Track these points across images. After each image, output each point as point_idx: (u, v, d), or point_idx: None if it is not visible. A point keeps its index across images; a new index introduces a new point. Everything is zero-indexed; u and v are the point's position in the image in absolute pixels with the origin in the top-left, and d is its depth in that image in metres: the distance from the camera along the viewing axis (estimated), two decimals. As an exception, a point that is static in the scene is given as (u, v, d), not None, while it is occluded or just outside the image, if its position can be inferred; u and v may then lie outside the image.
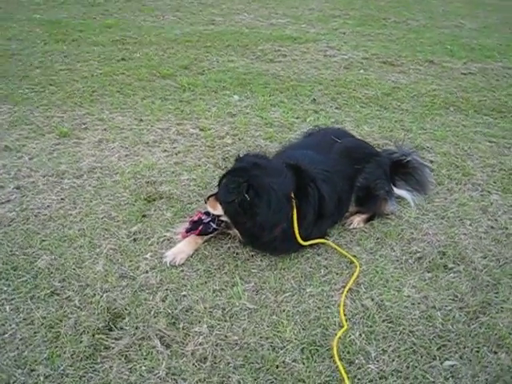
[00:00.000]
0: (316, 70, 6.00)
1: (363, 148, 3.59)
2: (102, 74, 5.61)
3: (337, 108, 5.15)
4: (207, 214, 3.15)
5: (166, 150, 4.19)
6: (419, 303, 2.87)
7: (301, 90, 5.44)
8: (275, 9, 8.28)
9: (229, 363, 2.41)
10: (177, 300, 2.77)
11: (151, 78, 5.53)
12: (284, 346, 2.54)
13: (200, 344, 2.51)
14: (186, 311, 2.71)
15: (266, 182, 2.85)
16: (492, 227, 3.55)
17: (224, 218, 3.09)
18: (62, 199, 3.56)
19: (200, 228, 3.12)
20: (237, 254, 3.16)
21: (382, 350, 2.57)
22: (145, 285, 2.85)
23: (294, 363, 2.45)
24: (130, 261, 3.03)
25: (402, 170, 3.71)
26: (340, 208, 3.33)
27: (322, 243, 3.24)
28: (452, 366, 2.52)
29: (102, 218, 3.38)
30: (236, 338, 2.57)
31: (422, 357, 2.55)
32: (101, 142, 4.26)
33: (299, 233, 3.02)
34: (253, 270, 3.02)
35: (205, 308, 2.73)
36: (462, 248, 3.31)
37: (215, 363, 2.41)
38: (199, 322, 2.64)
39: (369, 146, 3.69)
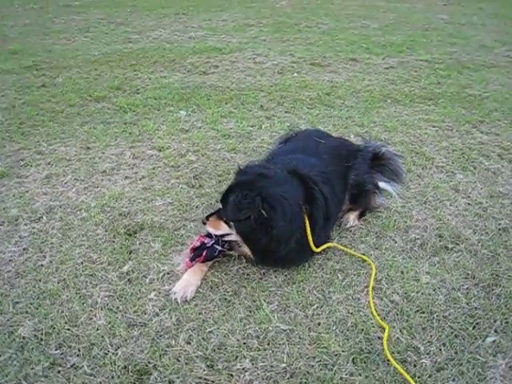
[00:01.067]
0: (252, 77, 5.94)
1: (347, 145, 3.56)
2: (25, 103, 4.96)
3: (286, 112, 5.11)
4: (209, 236, 2.86)
5: (127, 177, 3.78)
6: (439, 287, 2.88)
7: (245, 98, 5.32)
8: (188, 23, 8.10)
9: (291, 394, 2.18)
10: (204, 339, 2.45)
11: (83, 102, 5.01)
12: (335, 362, 2.37)
13: (249, 382, 2.24)
14: (219, 349, 2.41)
15: (276, 192, 2.66)
16: (469, 204, 3.72)
17: (230, 238, 2.83)
18: (24, 249, 3.01)
19: (204, 254, 2.82)
20: (248, 274, 2.91)
21: (428, 341, 2.52)
22: (161, 329, 2.49)
23: (352, 377, 2.30)
24: (134, 305, 2.63)
25: (377, 162, 3.73)
26: (339, 208, 3.24)
27: (332, 247, 3.13)
28: (493, 341, 2.54)
29: (83, 263, 2.91)
30: (284, 365, 2.34)
31: (464, 339, 2.54)
32: (49, 178, 3.72)
33: (312, 240, 2.86)
34: (271, 289, 2.80)
35: (238, 340, 2.45)
36: (453, 228, 3.41)
37: (276, 398, 2.17)
38: (238, 357, 2.37)
39: (351, 143, 3.68)
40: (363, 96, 5.64)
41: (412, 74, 6.44)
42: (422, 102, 5.59)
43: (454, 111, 5.34)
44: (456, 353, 2.47)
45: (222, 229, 2.80)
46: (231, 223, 2.73)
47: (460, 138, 4.74)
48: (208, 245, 2.84)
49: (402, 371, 2.31)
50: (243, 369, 2.31)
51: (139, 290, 2.73)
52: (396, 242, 3.26)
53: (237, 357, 2.36)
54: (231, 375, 2.27)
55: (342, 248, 3.14)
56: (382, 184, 3.73)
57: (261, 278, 2.88)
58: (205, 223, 2.87)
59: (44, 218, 3.28)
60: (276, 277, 2.90)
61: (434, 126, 4.97)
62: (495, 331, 2.61)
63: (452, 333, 2.58)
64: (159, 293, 2.73)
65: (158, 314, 2.58)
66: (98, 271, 2.85)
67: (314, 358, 2.38)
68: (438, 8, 10.10)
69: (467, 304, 2.77)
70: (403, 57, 7.12)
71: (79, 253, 2.98)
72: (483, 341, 2.55)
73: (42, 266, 2.88)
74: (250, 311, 2.64)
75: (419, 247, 3.22)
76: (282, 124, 4.82)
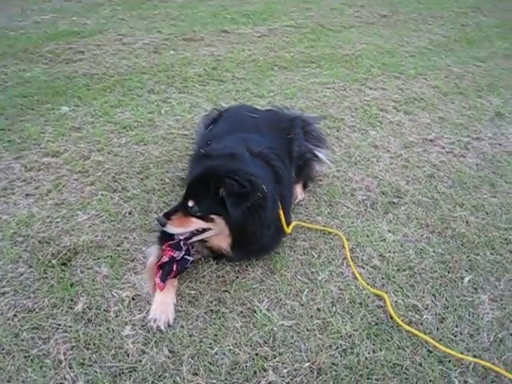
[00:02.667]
0: (126, 60, 5.27)
1: (281, 116, 3.37)
2: None
3: (180, 92, 4.66)
4: (175, 247, 2.41)
5: (29, 194, 3.00)
6: (405, 242, 2.95)
7: (130, 83, 4.69)
8: (26, 5, 6.77)
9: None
10: (211, 363, 2.09)
11: None
12: (353, 344, 2.25)
13: (284, 394, 1.98)
14: (233, 369, 2.08)
15: (257, 172, 2.36)
16: (392, 157, 3.89)
17: (203, 236, 2.43)
18: None
19: (175, 268, 2.38)
20: (222, 276, 2.57)
21: (421, 297, 2.57)
22: (157, 369, 2.04)
23: (375, 354, 2.21)
24: (109, 350, 2.10)
25: (303, 130, 3.63)
26: (292, 183, 3.06)
27: (297, 225, 2.94)
28: (469, 280, 2.70)
29: (16, 316, 2.22)
30: (307, 364, 2.13)
31: (447, 285, 2.66)
32: None
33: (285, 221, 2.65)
34: (255, 286, 2.52)
35: (248, 353, 2.15)
36: (390, 183, 3.53)
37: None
38: (256, 372, 2.07)
39: (283, 113, 3.48)
40: (250, 66, 5.47)
41: (285, 40, 6.48)
42: (307, 65, 5.65)
43: (339, 72, 5.52)
44: (447, 300, 2.55)
45: (193, 225, 2.37)
46: (212, 218, 2.33)
47: (356, 97, 4.93)
48: (178, 258, 2.40)
49: (417, 332, 2.31)
50: (269, 382, 2.02)
51: (108, 329, 2.19)
52: (348, 208, 3.23)
53: (255, 372, 2.07)
54: (261, 394, 1.97)
55: (307, 225, 2.98)
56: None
57: (237, 277, 2.57)
58: (164, 224, 2.37)
59: None
60: (253, 271, 2.61)
61: (328, 88, 5.07)
62: (466, 270, 2.77)
63: (435, 283, 2.66)
64: (134, 325, 2.23)
65: (144, 352, 2.11)
66: (42, 321, 2.20)
67: (331, 346, 2.22)
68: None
69: (434, 252, 2.89)
70: (269, 24, 7.11)
71: (6, 304, 2.26)
72: (462, 282, 2.68)
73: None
74: (246, 316, 2.33)
75: (371, 207, 3.25)
76: (181, 105, 4.38)
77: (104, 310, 2.29)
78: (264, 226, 2.37)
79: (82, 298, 2.33)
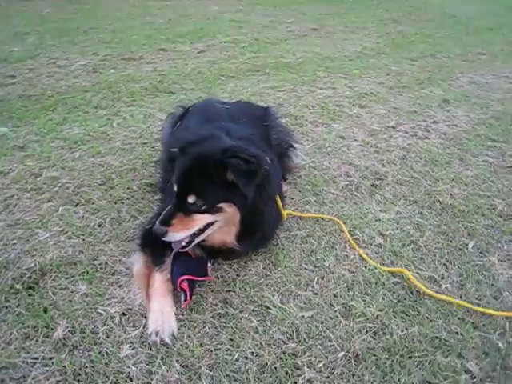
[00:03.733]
0: (65, 80, 4.78)
1: (255, 106, 3.19)
2: None
3: (130, 105, 4.32)
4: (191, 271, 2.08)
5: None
6: (400, 219, 2.85)
7: (73, 101, 4.28)
8: None
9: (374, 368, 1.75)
10: (235, 371, 1.77)
11: None
12: (383, 325, 2.05)
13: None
14: (262, 374, 1.77)
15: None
16: (361, 145, 3.83)
17: (206, 235, 2.11)
18: None
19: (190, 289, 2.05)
20: (222, 276, 2.27)
21: (433, 268, 2.44)
22: (170, 387, 1.68)
23: (409, 331, 2.02)
24: (107, 377, 1.71)
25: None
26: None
27: (291, 215, 2.73)
28: (474, 245, 2.64)
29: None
30: (342, 353, 1.88)
31: (455, 253, 2.56)
32: None
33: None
34: (260, 282, 2.25)
35: (275, 354, 1.86)
36: (368, 167, 3.45)
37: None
38: (288, 373, 1.78)
39: (256, 104, 3.29)
40: (196, 78, 5.28)
41: (226, 54, 6.38)
42: (253, 73, 5.57)
43: (286, 76, 5.49)
44: (459, 267, 2.44)
45: (198, 223, 2.03)
46: (220, 206, 2.02)
47: (310, 96, 4.88)
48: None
49: (450, 298, 2.16)
50: (308, 380, 1.74)
51: (100, 353, 1.80)
52: (334, 194, 3.07)
53: (287, 372, 1.77)
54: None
55: (300, 214, 2.78)
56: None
57: (238, 275, 2.28)
58: (165, 233, 1.99)
59: None
60: (254, 267, 2.34)
61: (279, 91, 4.99)
62: (466, 238, 2.69)
63: (442, 252, 2.54)
64: (131, 343, 1.86)
65: (151, 372, 1.74)
66: (12, 357, 1.77)
67: (361, 330, 1.99)
68: (204, 2, 10.46)
69: (430, 225, 2.80)
70: (206, 41, 7.00)
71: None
72: (467, 249, 2.59)
73: None
74: (260, 314, 2.04)
75: (356, 191, 3.12)
76: (134, 117, 4.06)
77: (91, 332, 1.89)
78: (269, 203, 2.13)
79: (60, 323, 1.92)
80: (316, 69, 5.91)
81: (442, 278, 2.34)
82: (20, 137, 3.54)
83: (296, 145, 3.45)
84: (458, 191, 3.18)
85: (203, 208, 2.00)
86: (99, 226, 2.58)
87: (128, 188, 2.96)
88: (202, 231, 2.07)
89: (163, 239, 1.99)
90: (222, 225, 2.09)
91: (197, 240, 2.10)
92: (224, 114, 2.80)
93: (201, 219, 2.02)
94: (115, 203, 2.79)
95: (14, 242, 2.39)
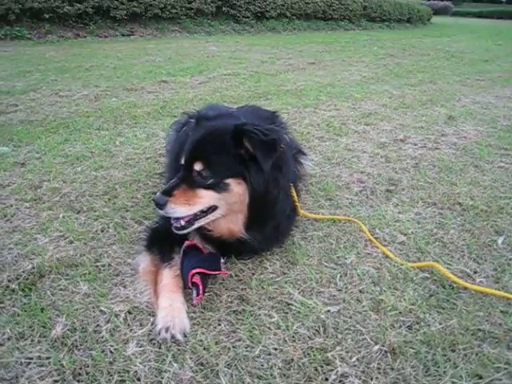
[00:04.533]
0: (66, 108, 4.76)
1: (262, 109, 3.09)
2: None
3: (133, 127, 4.23)
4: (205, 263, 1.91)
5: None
6: (421, 219, 2.70)
7: (75, 124, 4.20)
8: None
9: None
10: (258, 367, 1.56)
11: None
12: (417, 319, 1.84)
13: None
14: (289, 369, 1.55)
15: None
16: (370, 156, 3.73)
17: (208, 219, 1.94)
18: None
19: (202, 284, 1.86)
20: (237, 275, 2.08)
21: (464, 263, 2.25)
22: (184, 385, 1.47)
23: (447, 323, 1.80)
24: (111, 376, 1.50)
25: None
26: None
27: (306, 217, 2.57)
28: (503, 241, 2.47)
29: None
30: (376, 346, 1.68)
31: (483, 249, 2.38)
32: None
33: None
34: (278, 280, 2.07)
35: (301, 349, 1.65)
36: (380, 174, 3.34)
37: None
38: (318, 369, 1.57)
39: (260, 107, 3.22)
40: (199, 104, 5.24)
41: (227, 84, 6.43)
42: (255, 99, 5.55)
43: (288, 101, 5.48)
44: (491, 262, 2.26)
45: (202, 201, 1.86)
46: (228, 183, 1.86)
47: (314, 116, 4.84)
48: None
49: (491, 290, 1.96)
50: (342, 375, 1.52)
51: (103, 352, 1.59)
52: (348, 198, 2.93)
53: (316, 368, 1.56)
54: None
55: (316, 216, 2.63)
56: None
57: (253, 274, 2.09)
58: (164, 203, 1.83)
59: None
60: (270, 265, 2.16)
61: (283, 113, 4.92)
62: (493, 234, 2.52)
63: (471, 248, 2.37)
64: (139, 341, 1.65)
65: (161, 370, 1.53)
66: (3, 357, 1.55)
67: (393, 325, 1.78)
68: (203, 44, 10.73)
69: (454, 224, 2.64)
70: (207, 74, 7.08)
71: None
72: (496, 244, 2.41)
73: None
74: (280, 310, 1.85)
75: (371, 195, 2.98)
76: (137, 137, 3.98)
77: (93, 331, 1.69)
78: (283, 192, 1.97)
79: (59, 321, 1.72)
80: (318, 94, 5.93)
81: (475, 273, 2.15)
82: (21, 154, 3.43)
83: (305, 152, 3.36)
84: (478, 193, 3.03)
85: (209, 182, 1.84)
86: (102, 231, 2.42)
87: (132, 197, 2.82)
88: (204, 214, 1.91)
89: (161, 211, 1.84)
90: (226, 211, 1.93)
91: (197, 224, 1.93)
92: (230, 114, 2.71)
93: (204, 196, 1.86)
94: (118, 211, 2.64)
95: (11, 246, 2.22)
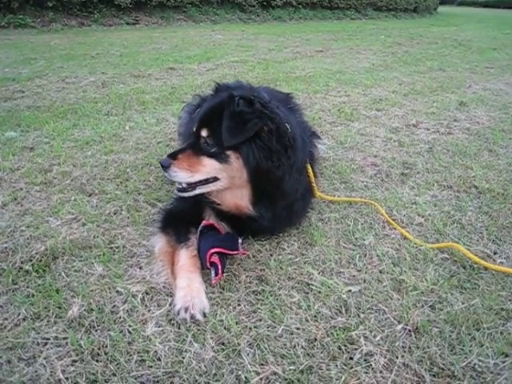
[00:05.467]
0: (74, 94, 4.73)
1: (274, 89, 3.07)
2: None
3: (141, 112, 4.19)
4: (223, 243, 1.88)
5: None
6: (437, 202, 2.65)
7: (83, 110, 4.17)
8: None
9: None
10: (281, 346, 1.53)
11: None
12: (440, 298, 1.81)
13: (384, 366, 1.45)
14: (313, 348, 1.52)
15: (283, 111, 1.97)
16: (383, 141, 3.67)
17: (208, 188, 1.94)
18: None
19: (221, 263, 1.83)
20: (254, 256, 2.04)
21: (483, 244, 2.21)
22: (208, 369, 1.45)
23: (470, 302, 1.76)
24: (130, 356, 1.47)
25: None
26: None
27: (322, 199, 2.53)
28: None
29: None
30: (400, 325, 1.65)
31: (502, 231, 2.33)
32: None
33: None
34: (296, 260, 2.04)
35: (324, 329, 1.62)
36: (395, 158, 3.29)
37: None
38: (341, 347, 1.53)
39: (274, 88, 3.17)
40: (208, 89, 5.17)
41: (235, 71, 6.36)
42: (267, 85, 5.47)
43: (298, 87, 5.42)
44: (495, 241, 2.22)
45: (203, 169, 1.87)
46: (228, 154, 1.84)
47: (325, 102, 4.78)
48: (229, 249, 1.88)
49: (510, 269, 1.93)
50: (366, 353, 1.49)
51: (122, 332, 1.57)
52: (363, 181, 2.88)
53: (339, 347, 1.52)
54: (364, 371, 1.43)
55: (332, 198, 2.59)
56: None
57: (271, 254, 2.06)
58: (168, 165, 1.86)
59: None
60: (288, 246, 2.12)
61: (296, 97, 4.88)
62: (510, 217, 2.47)
63: (490, 230, 2.33)
64: (157, 322, 1.62)
65: (182, 350, 1.50)
66: (20, 338, 1.53)
67: (416, 304, 1.75)
68: (208, 32, 10.63)
69: (471, 206, 2.60)
70: (214, 61, 7.02)
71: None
72: (517, 226, 2.37)
73: None
74: (300, 290, 1.82)
75: (386, 178, 2.94)
76: (146, 122, 3.94)
77: (110, 312, 1.66)
78: (293, 171, 1.93)
79: (75, 302, 1.69)
80: (327, 81, 5.86)
81: (495, 254, 2.12)
82: (29, 139, 3.40)
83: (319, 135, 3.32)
84: (494, 177, 2.98)
85: (212, 150, 1.86)
86: (115, 213, 2.39)
87: (144, 180, 2.79)
88: (205, 182, 1.91)
89: (164, 172, 1.90)
90: (227, 184, 1.91)
91: (198, 190, 1.93)
92: (252, 87, 2.66)
93: (207, 165, 1.87)
94: (130, 194, 2.61)
95: (23, 228, 2.19)
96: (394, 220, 2.38)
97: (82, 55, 7.28)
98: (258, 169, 1.82)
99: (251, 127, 1.77)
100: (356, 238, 2.20)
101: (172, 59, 7.16)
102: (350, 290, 1.80)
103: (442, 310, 1.71)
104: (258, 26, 13.61)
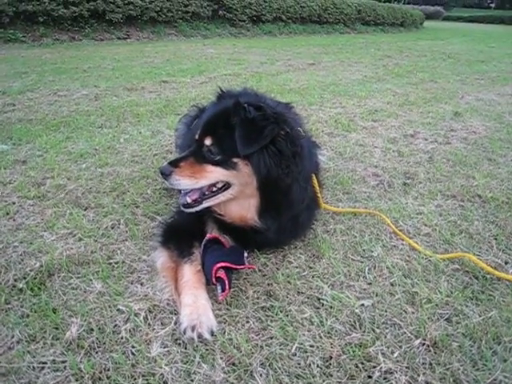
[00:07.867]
0: (66, 107, 4.63)
1: (275, 100, 2.98)
2: None
3: (136, 125, 4.13)
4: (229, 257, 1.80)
5: None
6: (443, 212, 2.60)
7: (76, 123, 4.08)
8: None
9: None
10: (295, 366, 1.44)
11: None
12: (456, 310, 1.75)
13: (399, 380, 1.37)
14: (329, 367, 1.44)
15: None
16: (383, 151, 3.63)
17: (218, 199, 1.86)
18: None
19: (228, 278, 1.74)
20: (260, 270, 1.96)
21: (494, 253, 2.14)
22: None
23: (487, 315, 1.69)
24: (134, 380, 1.38)
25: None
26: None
27: (327, 210, 2.47)
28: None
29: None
30: (417, 341, 1.58)
31: (509, 239, 2.25)
32: None
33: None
34: (304, 274, 1.96)
35: (339, 346, 1.54)
36: (395, 168, 3.25)
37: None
38: (362, 362, 1.45)
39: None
40: (204, 102, 5.12)
41: (229, 84, 6.31)
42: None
43: (293, 99, 5.37)
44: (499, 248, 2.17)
45: (208, 176, 1.78)
46: (235, 162, 1.76)
47: (321, 113, 4.76)
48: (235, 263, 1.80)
49: (504, 274, 1.85)
50: (386, 371, 1.41)
51: (124, 354, 1.47)
52: (366, 192, 2.83)
53: (357, 365, 1.44)
54: (380, 388, 1.35)
55: (336, 209, 2.52)
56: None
57: (278, 268, 1.98)
58: (169, 173, 1.77)
59: None
60: (295, 259, 2.05)
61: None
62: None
63: (498, 239, 2.28)
64: (163, 341, 1.53)
65: (190, 372, 1.41)
66: (13, 362, 1.43)
67: (431, 318, 1.68)
68: (200, 47, 10.62)
69: (478, 215, 2.55)
70: (207, 75, 6.99)
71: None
72: (523, 234, 2.32)
73: None
74: (311, 305, 1.74)
75: (389, 188, 2.89)
76: (141, 134, 3.86)
77: (112, 332, 1.56)
78: (300, 179, 1.86)
79: (73, 322, 1.59)
80: (321, 92, 5.86)
81: (507, 263, 2.07)
82: (21, 152, 3.30)
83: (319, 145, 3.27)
84: (496, 186, 2.96)
85: (217, 158, 1.77)
86: (112, 227, 2.29)
87: (141, 193, 2.70)
88: (213, 194, 1.84)
89: (165, 181, 1.80)
90: (238, 192, 1.83)
91: (205, 203, 1.85)
92: (256, 94, 2.60)
93: (212, 171, 1.78)
94: (128, 207, 2.52)
95: (16, 244, 2.09)
96: (400, 230, 2.33)
97: (74, 69, 7.20)
98: (269, 176, 1.75)
99: (268, 133, 1.70)
100: (364, 250, 2.13)
101: (165, 73, 7.12)
102: (362, 304, 1.72)
103: (459, 323, 1.64)
104: (248, 40, 13.68)
